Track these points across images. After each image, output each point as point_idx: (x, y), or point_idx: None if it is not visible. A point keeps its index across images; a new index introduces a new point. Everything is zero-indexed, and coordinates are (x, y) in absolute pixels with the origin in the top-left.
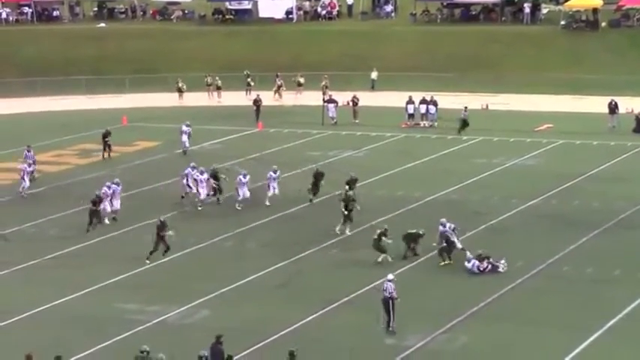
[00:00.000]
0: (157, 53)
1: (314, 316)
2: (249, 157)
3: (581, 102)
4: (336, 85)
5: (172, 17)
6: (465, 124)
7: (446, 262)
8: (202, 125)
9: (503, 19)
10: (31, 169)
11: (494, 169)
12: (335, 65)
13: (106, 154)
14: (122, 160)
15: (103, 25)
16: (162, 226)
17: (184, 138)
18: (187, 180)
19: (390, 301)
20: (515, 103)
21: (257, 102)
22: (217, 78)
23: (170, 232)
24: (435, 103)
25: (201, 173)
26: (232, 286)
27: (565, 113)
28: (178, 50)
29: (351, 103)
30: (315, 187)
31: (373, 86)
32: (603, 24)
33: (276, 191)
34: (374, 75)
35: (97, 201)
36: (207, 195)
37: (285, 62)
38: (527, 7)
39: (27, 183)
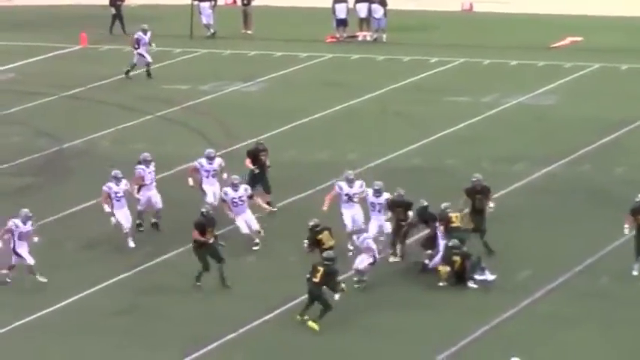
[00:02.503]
0: None
1: None
2: (64, 94)
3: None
4: None
5: None
6: None
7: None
8: None
9: None
10: None
11: (484, 114)
12: None
13: None
14: None
15: None
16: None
17: None
18: None
19: None
20: (518, 1)
21: None
22: None
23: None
24: (382, 2)
25: None
26: None
27: (603, 19)
28: None
29: (239, 1)
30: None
31: None
32: None
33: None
34: None
35: None
36: None
37: None
38: None
39: None
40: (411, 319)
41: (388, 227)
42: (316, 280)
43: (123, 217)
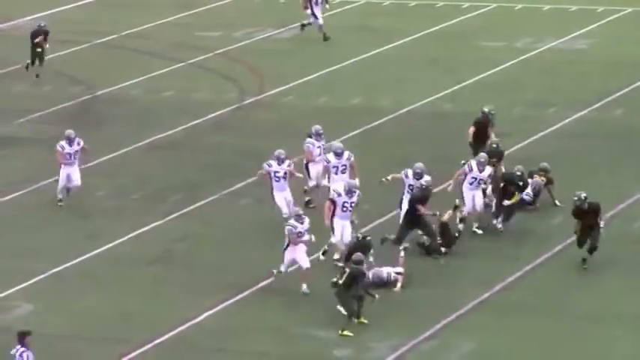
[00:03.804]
0: None
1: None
2: (96, 41)
3: None
4: None
5: None
6: None
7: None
8: None
9: None
10: None
11: (517, 59)
12: None
13: None
14: None
15: None
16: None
17: None
18: None
19: None
20: None
21: None
22: None
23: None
24: None
25: None
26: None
27: None
28: None
29: None
30: None
31: None
32: None
33: None
34: None
35: None
36: None
37: None
38: None
39: None
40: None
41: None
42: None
43: (282, 200)
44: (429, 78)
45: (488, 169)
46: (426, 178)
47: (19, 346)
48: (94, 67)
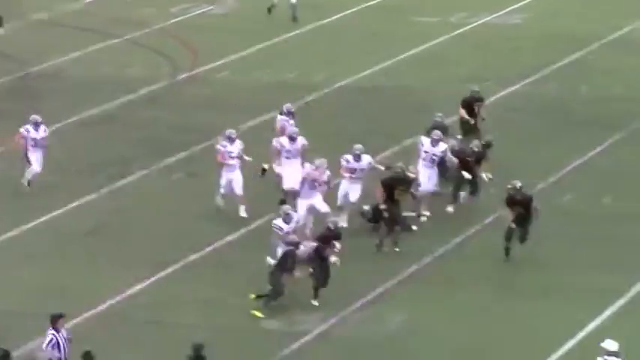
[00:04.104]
0: None
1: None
2: (32, 17)
3: None
4: None
5: None
6: None
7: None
8: None
9: None
10: None
11: (451, 33)
12: None
13: None
14: None
15: None
16: None
17: None
18: None
19: None
20: None
21: None
22: None
23: None
24: None
25: None
26: None
27: None
28: None
29: None
30: None
31: None
32: None
33: None
34: None
35: None
36: None
37: None
38: None
39: None
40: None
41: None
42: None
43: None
44: (363, 52)
45: (442, 145)
46: (367, 158)
47: (50, 329)
48: (29, 44)
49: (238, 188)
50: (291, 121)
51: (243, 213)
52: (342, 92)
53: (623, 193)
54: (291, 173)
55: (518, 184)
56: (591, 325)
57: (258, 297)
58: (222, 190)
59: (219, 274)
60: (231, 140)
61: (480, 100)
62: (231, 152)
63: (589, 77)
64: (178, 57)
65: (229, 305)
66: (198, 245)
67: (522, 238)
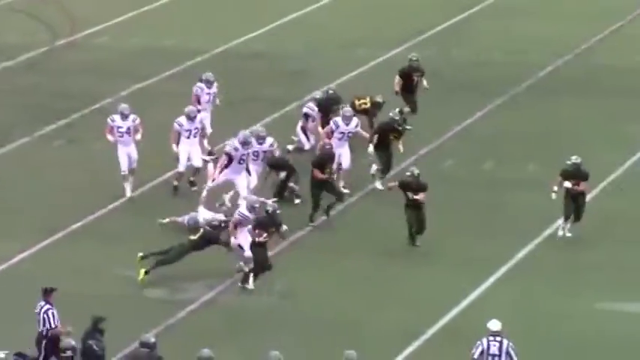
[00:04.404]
0: None
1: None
2: None
3: None
4: None
5: None
6: None
7: None
8: None
9: None
10: None
11: None
12: None
13: None
14: None
15: None
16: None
17: None
18: None
19: None
20: None
21: None
22: None
23: None
24: None
25: None
26: None
27: None
28: None
29: None
30: None
31: None
32: None
33: None
34: None
35: None
36: None
37: None
38: None
39: None
40: None
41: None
42: None
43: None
44: (243, 18)
45: (355, 121)
46: (269, 140)
47: (43, 303)
48: None
49: (133, 162)
50: (208, 90)
51: (128, 192)
52: (221, 58)
53: (504, 159)
54: (190, 153)
55: (416, 171)
56: (474, 294)
57: (143, 257)
58: (122, 167)
59: (101, 243)
60: (123, 116)
61: (419, 70)
62: (120, 127)
63: (469, 42)
64: (56, 23)
65: (113, 274)
66: (81, 214)
67: (420, 229)
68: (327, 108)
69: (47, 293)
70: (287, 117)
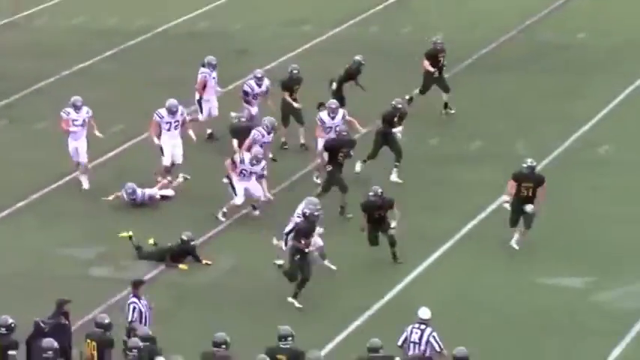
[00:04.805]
0: None
1: None
2: None
3: None
4: None
5: None
6: None
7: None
8: None
9: None
10: None
11: None
12: None
13: None
14: None
15: None
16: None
17: None
18: None
19: None
20: None
21: None
22: None
23: None
24: None
25: None
26: None
27: None
28: None
29: None
30: None
31: None
32: None
33: None
34: None
35: None
36: None
37: None
38: None
39: None
40: None
41: None
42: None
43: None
44: None
45: (340, 112)
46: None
47: (132, 296)
48: None
49: (83, 156)
50: (214, 74)
51: (85, 185)
52: (162, 38)
53: (450, 135)
54: (172, 147)
55: (380, 190)
56: (418, 269)
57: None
58: (73, 159)
59: (44, 223)
60: (76, 108)
61: (444, 50)
62: (75, 120)
63: (413, 18)
64: None
65: (54, 254)
66: (24, 193)
67: (392, 243)
68: (291, 88)
69: (135, 287)
70: (230, 95)
